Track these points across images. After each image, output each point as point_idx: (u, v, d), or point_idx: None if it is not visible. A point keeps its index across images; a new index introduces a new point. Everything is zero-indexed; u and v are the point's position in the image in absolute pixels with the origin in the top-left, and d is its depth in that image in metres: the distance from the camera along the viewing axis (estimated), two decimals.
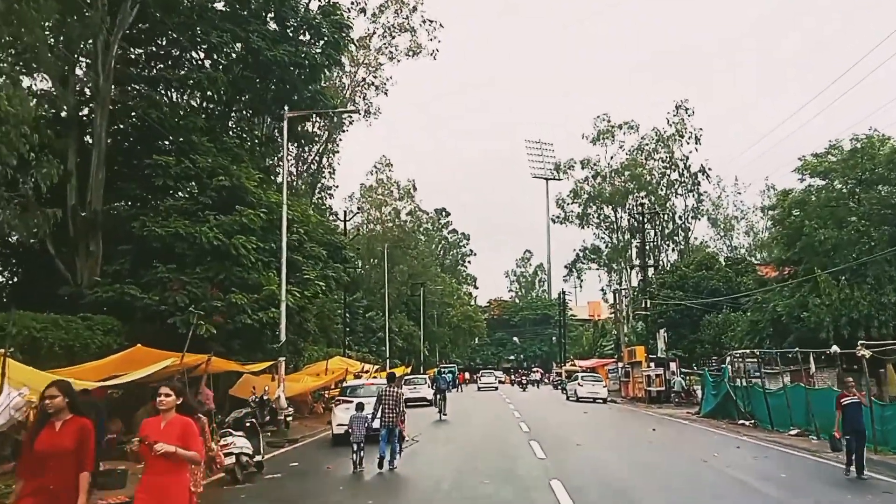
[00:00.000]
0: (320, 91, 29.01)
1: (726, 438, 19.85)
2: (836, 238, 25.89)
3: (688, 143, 56.43)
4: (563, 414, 30.00)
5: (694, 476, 13.19)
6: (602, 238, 60.48)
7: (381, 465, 13.58)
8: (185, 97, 26.63)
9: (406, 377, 41.57)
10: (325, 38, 28.03)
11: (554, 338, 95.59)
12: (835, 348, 19.01)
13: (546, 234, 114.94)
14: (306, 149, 46.21)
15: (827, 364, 24.75)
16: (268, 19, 27.31)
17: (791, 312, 27.32)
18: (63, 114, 22.08)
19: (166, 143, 23.16)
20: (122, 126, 23.75)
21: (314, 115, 39.03)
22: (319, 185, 48.48)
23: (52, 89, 22.29)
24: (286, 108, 25.34)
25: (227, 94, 26.49)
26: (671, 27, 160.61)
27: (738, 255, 56.95)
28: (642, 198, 54.28)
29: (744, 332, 32.58)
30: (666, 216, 57.04)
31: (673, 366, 37.37)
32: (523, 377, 63.71)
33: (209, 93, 25.83)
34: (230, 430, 13.69)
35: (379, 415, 13.84)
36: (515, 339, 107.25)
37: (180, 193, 22.73)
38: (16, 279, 23.62)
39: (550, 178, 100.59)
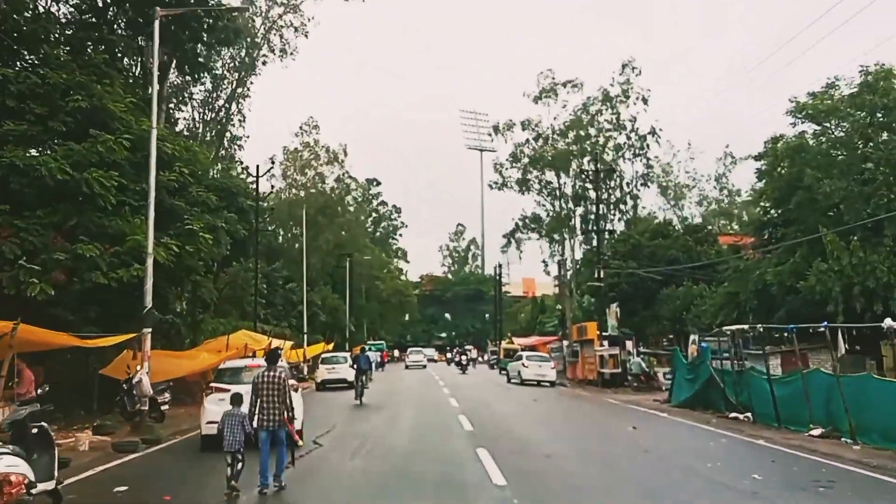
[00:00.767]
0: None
1: (741, 444, 14.88)
2: (846, 190, 21.15)
3: (635, 104, 52.53)
4: (509, 402, 24.73)
5: None
6: (543, 206, 55.76)
7: (263, 490, 9.27)
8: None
9: (324, 355, 36.13)
10: None
11: (487, 315, 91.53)
12: (888, 321, 14.06)
13: (480, 207, 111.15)
14: (213, 95, 40.55)
15: (823, 345, 20.21)
16: None
17: (783, 282, 22.78)
18: None
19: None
20: None
21: (216, 51, 33.40)
22: (228, 133, 42.47)
23: None
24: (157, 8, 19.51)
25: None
26: None
27: (693, 224, 53.27)
28: (586, 164, 49.88)
29: (717, 307, 28.10)
30: (613, 182, 52.63)
31: (629, 344, 32.75)
32: (461, 356, 51.39)
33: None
34: None
35: (257, 411, 9.45)
36: (447, 315, 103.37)
37: (28, 117, 18.27)
38: None
39: (485, 150, 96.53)
